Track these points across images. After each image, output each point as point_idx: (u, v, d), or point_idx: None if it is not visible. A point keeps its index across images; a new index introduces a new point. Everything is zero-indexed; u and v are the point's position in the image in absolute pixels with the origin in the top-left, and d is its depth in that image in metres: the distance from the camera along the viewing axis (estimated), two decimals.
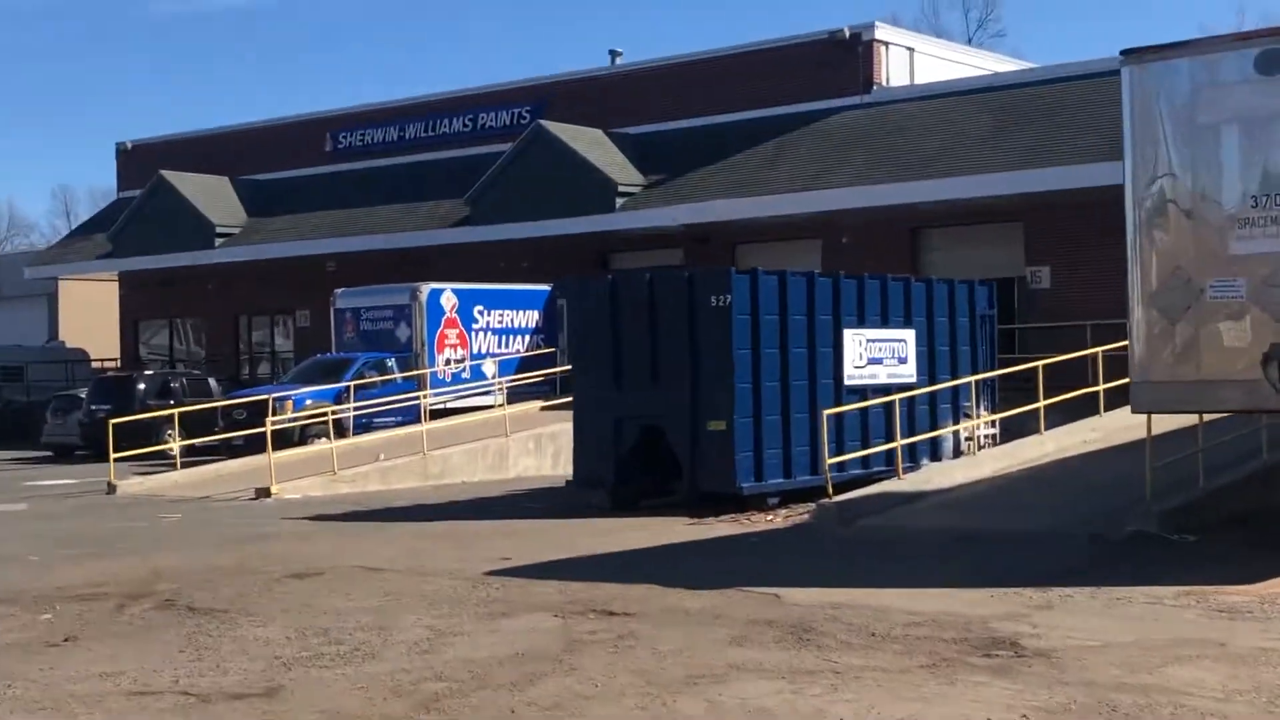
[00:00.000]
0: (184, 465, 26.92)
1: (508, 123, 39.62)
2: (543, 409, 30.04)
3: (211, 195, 42.84)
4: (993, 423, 22.74)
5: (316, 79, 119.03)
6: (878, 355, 20.86)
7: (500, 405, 29.95)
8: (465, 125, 40.73)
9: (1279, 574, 12.67)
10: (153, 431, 33.96)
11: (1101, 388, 22.28)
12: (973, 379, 22.07)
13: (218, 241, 41.98)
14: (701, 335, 18.88)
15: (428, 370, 31.04)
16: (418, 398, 29.89)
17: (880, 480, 19.29)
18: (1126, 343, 23.08)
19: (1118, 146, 29.17)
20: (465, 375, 31.90)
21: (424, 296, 31.37)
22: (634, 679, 9.14)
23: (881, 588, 12.58)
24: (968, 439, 22.39)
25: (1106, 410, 22.16)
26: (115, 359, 47.71)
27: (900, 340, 21.28)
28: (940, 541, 15.67)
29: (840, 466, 19.88)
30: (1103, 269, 29.10)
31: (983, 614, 11.17)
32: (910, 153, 31.64)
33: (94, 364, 47.61)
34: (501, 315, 32.94)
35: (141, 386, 34.82)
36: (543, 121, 36.51)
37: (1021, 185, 29.10)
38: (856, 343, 20.47)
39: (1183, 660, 9.40)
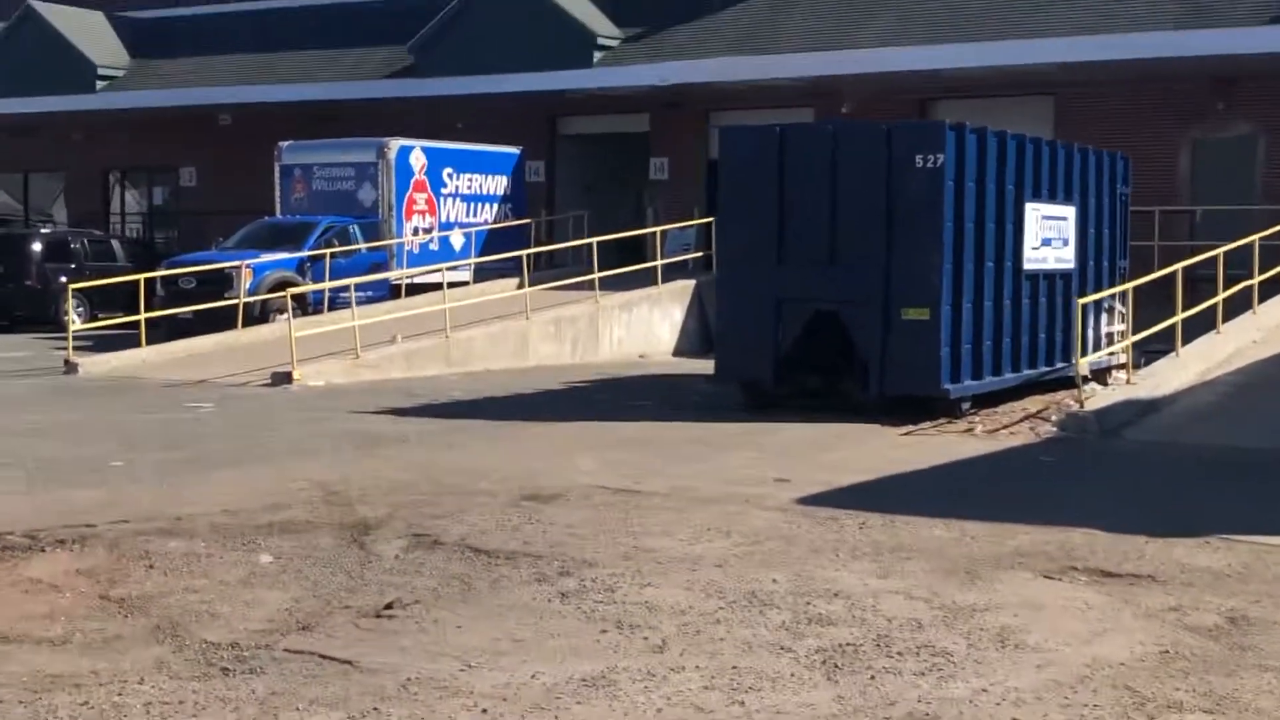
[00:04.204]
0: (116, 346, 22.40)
1: None
2: (530, 289, 26.18)
3: (89, 32, 37.20)
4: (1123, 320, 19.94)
5: None
6: (1048, 236, 17.83)
7: (466, 283, 26.19)
8: None
9: None
10: (48, 300, 29.36)
11: (1257, 280, 19.77)
12: (1143, 280, 19.05)
13: (98, 85, 36.53)
14: (899, 203, 15.49)
15: (394, 241, 26.96)
16: (388, 273, 26.00)
17: (1092, 382, 16.43)
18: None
19: (1183, 13, 27.09)
20: (434, 247, 27.86)
21: (393, 154, 27.13)
22: None
23: None
24: (1106, 337, 19.56)
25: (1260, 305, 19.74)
26: None
27: (1064, 219, 18.24)
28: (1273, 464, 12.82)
29: (1018, 366, 17.03)
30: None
31: None
32: (943, 6, 28.43)
33: None
34: (470, 180, 28.89)
35: (37, 247, 29.64)
36: None
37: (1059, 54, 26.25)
38: (1034, 219, 17.37)
39: None
